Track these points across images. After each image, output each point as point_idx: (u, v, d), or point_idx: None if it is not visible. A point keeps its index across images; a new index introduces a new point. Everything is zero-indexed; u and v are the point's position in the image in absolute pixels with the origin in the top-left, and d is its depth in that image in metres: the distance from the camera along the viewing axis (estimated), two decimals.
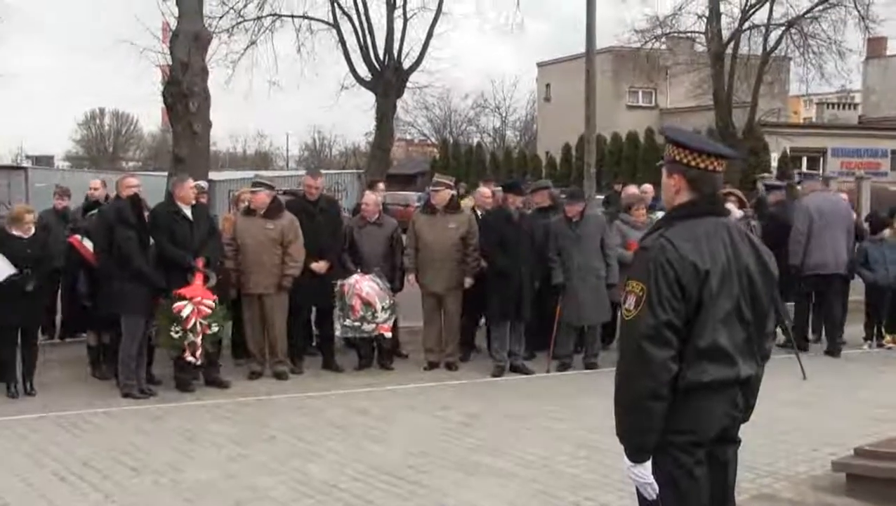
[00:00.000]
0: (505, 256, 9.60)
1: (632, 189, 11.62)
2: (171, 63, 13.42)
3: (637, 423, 3.34)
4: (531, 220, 10.13)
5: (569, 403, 8.48)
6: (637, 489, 3.43)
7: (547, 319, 9.93)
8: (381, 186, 11.94)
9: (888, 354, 11.11)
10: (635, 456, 3.35)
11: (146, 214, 8.69)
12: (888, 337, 11.44)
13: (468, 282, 9.90)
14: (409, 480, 6.24)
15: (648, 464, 3.34)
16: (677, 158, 3.48)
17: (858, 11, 28.66)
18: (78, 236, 9.10)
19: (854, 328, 11.73)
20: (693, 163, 3.45)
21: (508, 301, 9.59)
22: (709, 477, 3.41)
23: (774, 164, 32.85)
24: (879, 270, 11.12)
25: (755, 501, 5.78)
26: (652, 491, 3.36)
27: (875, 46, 40.00)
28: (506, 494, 5.97)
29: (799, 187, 12.34)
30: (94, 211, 9.44)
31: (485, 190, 11.23)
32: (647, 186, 11.70)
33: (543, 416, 8.07)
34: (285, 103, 63.35)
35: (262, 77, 41.14)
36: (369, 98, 25.66)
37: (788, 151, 34.60)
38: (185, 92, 12.68)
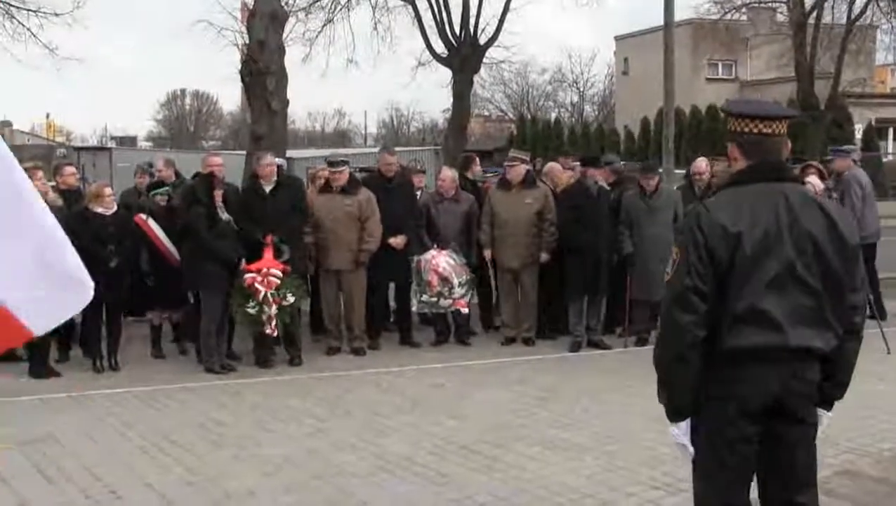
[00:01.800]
0: (584, 231, 9.51)
1: (701, 163, 10.94)
2: (248, 42, 13.55)
3: (667, 385, 3.46)
4: (609, 194, 9.99)
5: (646, 377, 8.30)
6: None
7: (622, 293, 9.82)
8: (477, 161, 11.81)
9: None
10: (670, 417, 3.49)
11: (218, 191, 8.79)
12: None
13: (544, 257, 9.84)
14: (485, 454, 6.25)
15: (683, 425, 3.46)
16: (730, 127, 3.51)
17: None
18: (143, 216, 9.25)
19: None
20: (739, 129, 3.47)
21: (587, 276, 9.51)
22: (764, 455, 3.41)
23: (859, 135, 31.97)
24: None
25: (837, 477, 5.65)
26: (686, 452, 3.48)
27: None
28: (583, 468, 5.94)
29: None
30: (158, 190, 9.55)
31: (556, 165, 11.06)
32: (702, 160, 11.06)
33: (620, 391, 8.00)
34: (363, 81, 63.60)
35: (338, 55, 41.46)
36: (446, 74, 25.61)
37: (874, 122, 33.61)
38: (262, 70, 12.80)
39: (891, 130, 35.55)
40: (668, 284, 3.44)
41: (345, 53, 25.76)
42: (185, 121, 74.59)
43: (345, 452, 6.36)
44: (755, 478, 3.51)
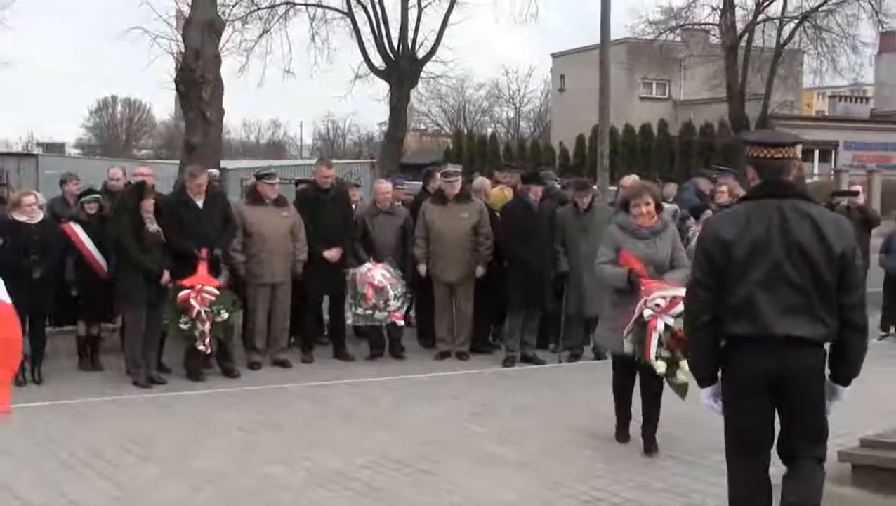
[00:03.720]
0: (526, 246, 9.54)
1: (628, 179, 10.87)
2: (183, 51, 13.41)
3: (688, 357, 4.79)
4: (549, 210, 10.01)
5: (579, 392, 8.44)
6: None
7: (557, 308, 9.88)
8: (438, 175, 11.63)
9: None
10: (697, 382, 4.47)
11: (148, 201, 8.59)
12: None
13: (480, 271, 9.85)
14: (418, 468, 6.22)
15: (706, 391, 4.38)
16: (747, 153, 4.35)
17: (872, 6, 28.65)
18: (71, 223, 9.05)
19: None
20: (755, 154, 4.29)
21: (529, 291, 9.54)
22: (781, 417, 4.27)
23: None
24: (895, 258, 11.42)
25: None
26: (714, 412, 4.40)
27: (888, 41, 39.76)
28: (515, 483, 5.94)
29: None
30: (86, 197, 9.34)
31: (381, 186, 10.60)
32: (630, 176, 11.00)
33: (554, 406, 8.02)
34: (299, 92, 63.09)
35: (275, 66, 41.14)
36: (383, 87, 25.68)
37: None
38: (197, 80, 12.68)
39: (816, 152, 36.39)
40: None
41: (281, 64, 25.66)
42: (116, 129, 73.28)
43: (277, 465, 6.27)
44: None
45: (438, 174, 10.87)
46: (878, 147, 37.66)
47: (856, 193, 12.13)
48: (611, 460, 6.40)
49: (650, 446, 6.53)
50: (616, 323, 6.56)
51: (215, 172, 10.45)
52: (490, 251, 9.83)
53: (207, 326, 8.49)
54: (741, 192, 11.30)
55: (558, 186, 11.31)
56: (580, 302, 9.73)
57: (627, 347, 6.39)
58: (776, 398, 4.22)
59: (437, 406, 8.01)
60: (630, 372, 6.62)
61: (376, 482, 5.94)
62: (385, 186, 10.40)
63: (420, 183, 11.77)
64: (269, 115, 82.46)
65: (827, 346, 4.26)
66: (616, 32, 19.26)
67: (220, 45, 13.83)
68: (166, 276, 8.55)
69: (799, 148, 4.33)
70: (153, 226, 8.57)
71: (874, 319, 11.58)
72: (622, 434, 6.81)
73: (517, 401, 8.20)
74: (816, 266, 4.10)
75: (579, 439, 6.92)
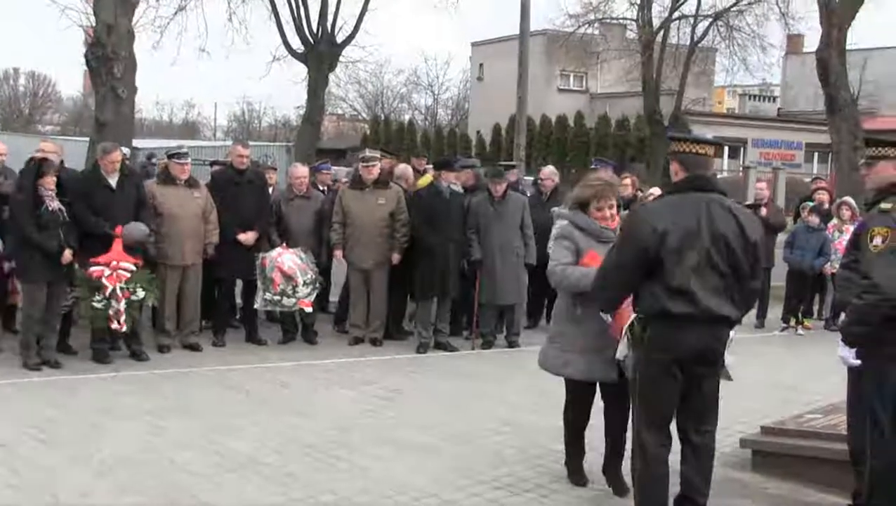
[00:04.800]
0: (435, 233, 9.56)
1: (546, 170, 11.40)
2: (94, 24, 13.05)
3: (611, 294, 4.91)
4: (461, 197, 10.06)
5: (491, 379, 8.51)
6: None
7: (471, 296, 9.93)
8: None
9: (801, 338, 11.48)
10: (605, 312, 5.10)
11: (50, 178, 8.31)
12: (805, 321, 11.79)
13: (395, 258, 9.84)
14: (330, 454, 6.19)
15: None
16: (672, 148, 4.81)
17: (779, 8, 29.44)
18: None
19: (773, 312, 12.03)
20: (680, 149, 4.73)
21: (436, 277, 9.57)
22: (688, 393, 4.72)
23: None
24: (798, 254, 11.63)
25: None
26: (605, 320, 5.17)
27: (794, 42, 40.97)
28: (427, 468, 5.95)
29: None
30: None
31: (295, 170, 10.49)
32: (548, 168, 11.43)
33: (466, 392, 8.07)
34: (215, 72, 62.06)
35: (190, 44, 40.40)
36: (301, 70, 25.35)
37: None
38: (109, 55, 12.35)
39: (726, 148, 37.29)
40: (608, 253, 4.85)
41: (196, 43, 25.20)
42: (18, 102, 70.77)
43: (186, 451, 6.16)
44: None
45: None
46: (783, 145, 38.86)
47: (758, 206, 11.44)
48: (522, 446, 6.46)
49: (622, 485, 5.54)
50: (578, 342, 5.44)
51: (125, 150, 10.19)
52: (406, 238, 9.81)
53: (122, 304, 8.29)
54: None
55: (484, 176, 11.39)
56: (493, 290, 9.80)
57: (621, 352, 5.11)
58: (693, 375, 4.68)
59: (350, 392, 7.98)
60: (590, 401, 5.66)
61: (287, 468, 5.89)
62: (301, 170, 10.29)
63: (341, 168, 11.70)
64: (182, 94, 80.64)
65: None
66: (536, 24, 19.45)
67: (134, 20, 13.47)
68: (67, 254, 8.25)
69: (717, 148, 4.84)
70: (54, 203, 8.28)
71: (775, 312, 12.02)
72: (578, 474, 5.78)
73: (430, 387, 8.23)
74: (736, 255, 4.60)
75: (491, 426, 6.97)
